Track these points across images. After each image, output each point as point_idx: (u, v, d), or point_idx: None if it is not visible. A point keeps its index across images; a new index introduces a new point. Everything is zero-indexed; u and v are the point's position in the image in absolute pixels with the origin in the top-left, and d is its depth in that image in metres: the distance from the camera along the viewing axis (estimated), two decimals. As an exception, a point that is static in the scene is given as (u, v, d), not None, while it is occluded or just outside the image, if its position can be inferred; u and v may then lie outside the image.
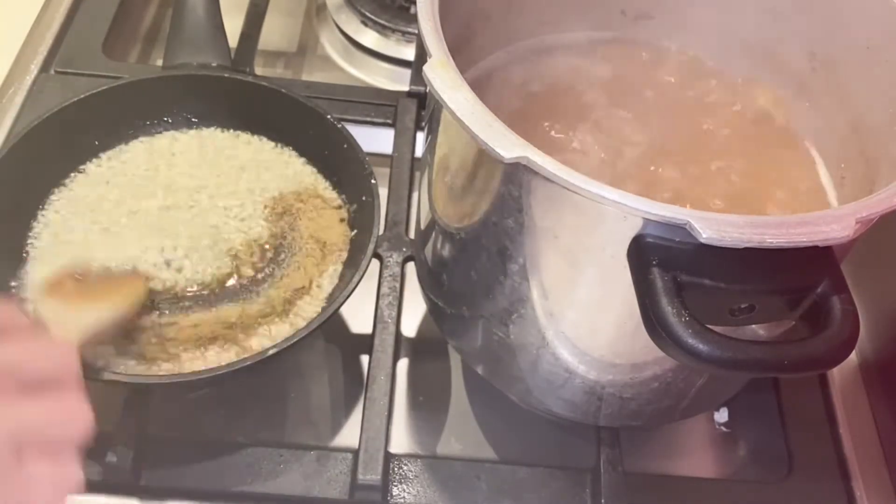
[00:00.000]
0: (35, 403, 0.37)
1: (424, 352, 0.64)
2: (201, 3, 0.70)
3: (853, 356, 0.65)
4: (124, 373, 0.51)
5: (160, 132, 0.65)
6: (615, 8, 0.58)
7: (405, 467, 0.55)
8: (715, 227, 0.35)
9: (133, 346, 0.54)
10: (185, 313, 0.56)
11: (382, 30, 0.83)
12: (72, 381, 0.40)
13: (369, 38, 0.83)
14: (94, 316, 0.49)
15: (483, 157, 0.38)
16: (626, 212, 0.37)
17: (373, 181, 0.59)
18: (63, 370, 0.40)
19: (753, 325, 0.42)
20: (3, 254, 0.57)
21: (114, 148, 0.64)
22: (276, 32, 0.85)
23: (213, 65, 0.67)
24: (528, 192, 0.40)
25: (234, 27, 0.74)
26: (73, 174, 0.62)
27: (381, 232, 0.61)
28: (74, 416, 0.38)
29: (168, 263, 0.58)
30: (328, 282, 0.59)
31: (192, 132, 0.66)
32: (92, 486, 0.51)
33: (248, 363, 0.50)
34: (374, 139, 0.70)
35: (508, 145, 0.37)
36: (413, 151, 0.69)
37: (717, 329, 0.36)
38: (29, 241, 0.59)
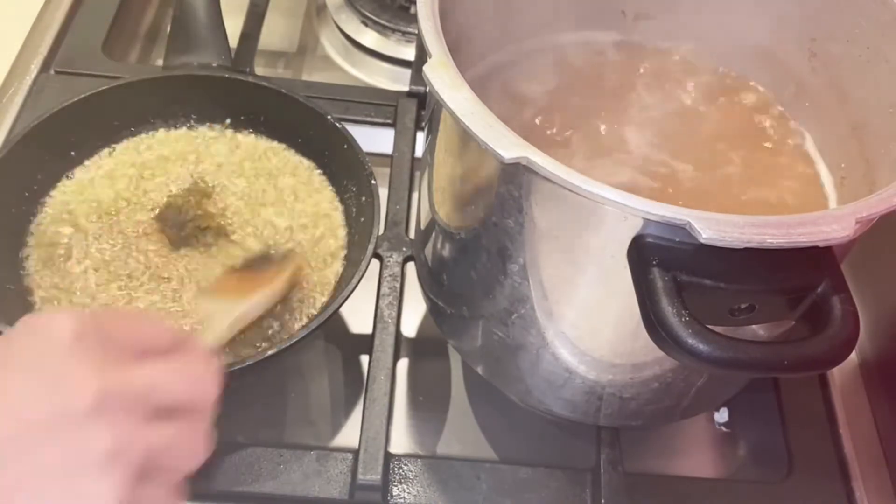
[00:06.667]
0: (160, 431, 0.35)
1: (424, 352, 0.64)
2: (201, 3, 0.70)
3: (853, 356, 0.65)
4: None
5: (160, 132, 0.65)
6: (615, 8, 0.58)
7: (405, 467, 0.55)
8: (715, 227, 0.35)
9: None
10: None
11: (382, 30, 0.83)
12: (204, 407, 0.37)
13: (369, 38, 0.83)
14: (254, 304, 0.50)
15: (483, 157, 0.38)
16: (626, 212, 0.37)
17: (373, 181, 0.59)
18: (198, 397, 0.37)
19: (753, 325, 0.42)
20: (2, 254, 0.57)
21: (114, 147, 0.64)
22: (276, 32, 0.85)
23: (214, 65, 0.67)
24: (528, 192, 0.40)
25: (234, 27, 0.74)
26: (72, 174, 0.62)
27: (381, 232, 0.61)
28: (196, 447, 0.37)
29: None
30: (328, 282, 0.59)
31: (192, 132, 0.66)
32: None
33: (248, 363, 0.50)
34: (374, 139, 0.69)
35: (508, 145, 0.37)
36: (413, 151, 0.69)
37: (717, 329, 0.36)
38: (28, 241, 0.59)
